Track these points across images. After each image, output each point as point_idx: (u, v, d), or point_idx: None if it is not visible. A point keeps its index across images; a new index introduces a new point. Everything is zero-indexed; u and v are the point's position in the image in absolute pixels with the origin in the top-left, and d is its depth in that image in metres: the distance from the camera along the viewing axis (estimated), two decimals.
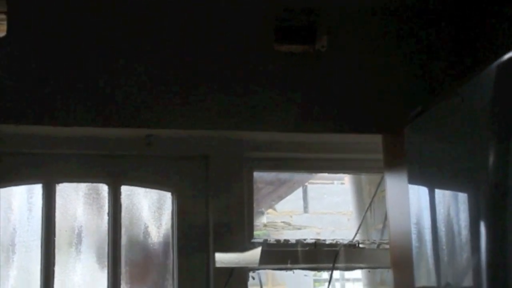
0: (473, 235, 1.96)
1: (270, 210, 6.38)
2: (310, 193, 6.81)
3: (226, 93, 2.90)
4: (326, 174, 5.71)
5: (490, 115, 1.79)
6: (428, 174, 2.30)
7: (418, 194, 2.34)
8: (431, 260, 2.28)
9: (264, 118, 2.93)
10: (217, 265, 2.95)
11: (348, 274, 6.74)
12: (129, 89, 2.84)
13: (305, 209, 6.83)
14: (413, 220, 2.36)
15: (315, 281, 6.60)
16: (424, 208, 2.29)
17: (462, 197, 2.08)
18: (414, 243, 2.36)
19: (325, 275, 7.39)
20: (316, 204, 6.74)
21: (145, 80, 2.85)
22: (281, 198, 5.82)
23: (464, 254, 2.04)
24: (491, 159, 1.80)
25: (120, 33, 2.86)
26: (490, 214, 1.82)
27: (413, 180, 2.39)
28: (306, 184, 6.34)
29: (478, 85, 1.92)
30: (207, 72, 2.90)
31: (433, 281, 2.30)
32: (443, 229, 2.18)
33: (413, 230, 2.36)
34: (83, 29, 2.83)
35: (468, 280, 2.04)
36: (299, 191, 6.50)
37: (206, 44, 2.91)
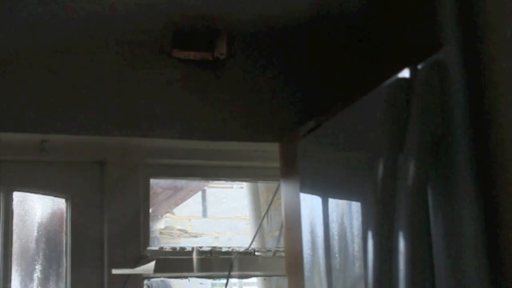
0: (364, 244, 2.00)
1: (168, 215, 6.34)
2: (209, 198, 6.79)
3: (122, 99, 2.87)
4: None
5: (380, 131, 1.84)
6: (321, 184, 2.34)
7: (310, 202, 2.37)
8: (322, 269, 2.31)
9: (161, 125, 2.91)
10: (113, 272, 2.92)
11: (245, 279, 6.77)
12: (23, 94, 2.78)
13: (204, 213, 6.81)
14: (307, 228, 2.39)
15: (212, 285, 6.60)
16: (317, 217, 2.32)
17: (355, 205, 2.12)
18: (308, 251, 2.39)
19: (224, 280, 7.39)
20: (215, 209, 6.73)
21: (39, 85, 2.79)
22: (179, 203, 5.81)
23: (356, 262, 2.08)
24: (379, 171, 1.84)
25: (13, 36, 2.80)
26: (378, 223, 1.87)
27: (305, 189, 2.42)
28: (205, 188, 6.34)
29: (370, 102, 1.98)
30: (103, 77, 2.86)
31: None
32: (336, 237, 2.22)
33: (306, 238, 2.39)
34: None
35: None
36: (198, 195, 6.48)
37: (101, 48, 2.88)
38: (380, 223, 1.79)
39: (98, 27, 2.81)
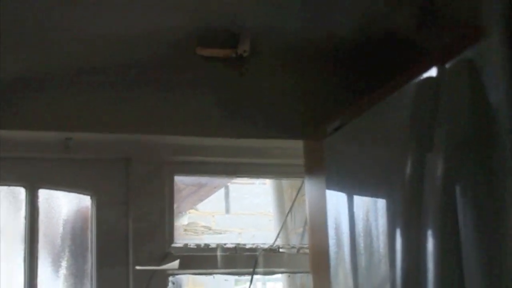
0: (390, 242, 2.00)
1: (192, 211, 6.36)
2: (232, 194, 6.81)
3: (147, 97, 2.87)
4: None
5: (408, 130, 1.83)
6: (347, 181, 2.34)
7: (336, 200, 2.38)
8: (348, 266, 2.31)
9: (185, 123, 2.91)
10: (137, 268, 2.92)
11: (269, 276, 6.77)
12: (48, 92, 2.79)
13: (227, 209, 6.83)
14: (332, 225, 2.39)
15: (236, 280, 6.61)
16: (342, 214, 2.32)
17: (381, 203, 2.11)
18: (333, 248, 2.39)
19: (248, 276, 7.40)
20: (238, 205, 6.75)
21: (64, 83, 2.80)
22: (202, 199, 5.82)
23: (382, 260, 2.08)
24: (407, 170, 1.84)
25: (35, 31, 2.80)
26: (405, 222, 1.86)
27: (331, 186, 2.42)
28: (228, 184, 6.35)
29: (396, 101, 1.97)
30: (128, 75, 2.86)
31: (350, 286, 2.34)
32: (362, 234, 2.21)
33: (332, 235, 2.39)
34: None
35: (385, 286, 2.07)
36: (221, 191, 6.50)
37: (127, 47, 2.88)
38: (408, 222, 1.79)
39: (121, 23, 2.81)
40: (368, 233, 2.15)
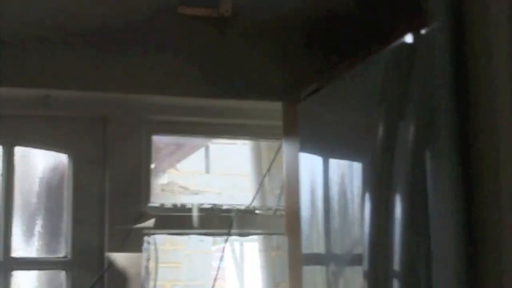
0: (361, 205, 2.01)
1: (171, 170, 6.36)
2: (212, 154, 6.80)
3: (126, 55, 2.86)
4: None
5: (380, 96, 1.83)
6: (321, 145, 2.34)
7: (311, 163, 2.38)
8: (320, 228, 2.32)
9: (164, 82, 2.91)
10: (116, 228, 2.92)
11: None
12: (27, 49, 2.77)
13: (207, 169, 6.83)
14: (306, 187, 2.39)
15: (214, 241, 6.64)
16: (316, 177, 2.33)
17: (353, 166, 2.12)
18: (305, 210, 2.40)
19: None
20: (218, 165, 6.75)
21: (43, 40, 2.78)
22: (182, 158, 5.82)
23: (352, 222, 2.09)
24: (379, 135, 1.84)
25: None
26: (376, 186, 1.87)
27: (305, 149, 2.43)
28: (209, 144, 6.34)
29: (369, 67, 1.97)
30: (108, 33, 2.84)
31: (322, 248, 2.35)
32: (335, 197, 2.22)
33: (305, 198, 2.40)
34: None
35: (356, 249, 2.09)
36: (202, 151, 6.49)
37: (108, 5, 2.85)
38: (378, 186, 1.80)
39: None
40: (341, 196, 2.16)
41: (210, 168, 6.82)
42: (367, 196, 1.88)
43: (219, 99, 3.02)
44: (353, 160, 2.09)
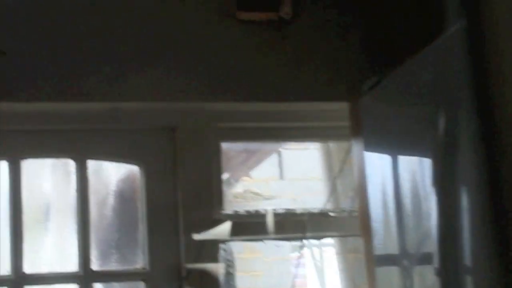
0: (428, 200, 1.98)
1: (245, 178, 6.37)
2: (285, 159, 6.79)
3: (190, 64, 2.88)
4: None
5: (437, 88, 1.80)
6: (385, 141, 2.31)
7: (377, 160, 2.35)
8: (393, 227, 2.29)
9: (228, 89, 2.92)
10: (192, 237, 2.93)
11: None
12: (93, 63, 2.81)
13: (281, 175, 6.82)
14: (375, 187, 2.36)
15: (293, 246, 6.62)
16: (384, 175, 2.30)
17: (416, 161, 2.08)
18: (379, 210, 2.36)
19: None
20: (292, 170, 6.73)
21: (108, 53, 2.82)
22: (254, 166, 5.82)
23: (421, 218, 2.06)
24: (440, 127, 1.81)
25: (80, 7, 2.83)
26: (440, 180, 1.84)
27: (369, 147, 2.40)
28: (280, 150, 6.33)
29: (428, 57, 1.93)
30: (170, 43, 2.87)
31: (395, 248, 2.32)
32: (405, 195, 2.19)
33: (376, 198, 2.37)
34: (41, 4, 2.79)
35: (428, 247, 2.05)
36: (274, 157, 6.49)
37: (167, 15, 2.88)
38: (444, 181, 1.76)
39: None
40: (410, 193, 2.12)
41: (284, 174, 6.81)
42: (435, 192, 1.84)
43: (285, 103, 3.01)
44: (417, 154, 2.05)
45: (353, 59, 2.98)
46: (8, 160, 2.91)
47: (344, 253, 3.63)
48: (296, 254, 6.75)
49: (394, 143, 2.24)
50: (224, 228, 2.95)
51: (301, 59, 2.97)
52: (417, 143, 2.07)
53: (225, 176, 5.58)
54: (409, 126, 2.12)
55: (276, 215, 3.11)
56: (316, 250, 7.09)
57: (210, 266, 2.94)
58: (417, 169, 2.09)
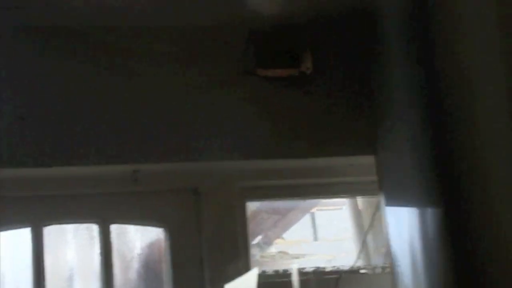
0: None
1: (278, 240, 6.27)
2: (318, 220, 6.69)
3: (210, 123, 2.84)
4: (333, 200, 5.63)
5: None
6: (401, 193, 2.24)
7: (396, 215, 2.28)
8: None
9: (252, 146, 2.87)
10: None
11: None
12: (112, 127, 2.79)
13: (315, 236, 6.71)
14: (397, 242, 2.29)
15: None
16: (403, 228, 2.23)
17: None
18: (403, 266, 2.29)
19: None
20: (325, 231, 6.62)
21: (126, 116, 2.79)
22: (287, 227, 5.73)
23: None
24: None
25: (100, 65, 2.82)
26: None
27: (389, 201, 2.33)
28: (313, 211, 6.24)
29: None
30: (190, 102, 2.84)
31: None
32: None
33: (400, 253, 2.29)
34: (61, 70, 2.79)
35: None
36: (307, 218, 6.39)
37: (188, 74, 2.86)
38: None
39: (179, 51, 2.82)
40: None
41: (318, 235, 6.70)
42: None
43: (309, 159, 2.95)
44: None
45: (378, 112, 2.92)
46: (30, 227, 2.88)
47: None
48: None
49: (407, 194, 2.18)
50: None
51: (324, 114, 2.92)
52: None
53: (257, 239, 5.53)
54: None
55: (305, 273, 3.03)
56: None
57: None
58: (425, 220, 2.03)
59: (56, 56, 2.78)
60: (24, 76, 2.76)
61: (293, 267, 3.04)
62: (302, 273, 3.05)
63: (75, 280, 2.94)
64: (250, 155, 2.88)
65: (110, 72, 2.82)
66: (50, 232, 2.90)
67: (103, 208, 2.93)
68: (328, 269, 3.10)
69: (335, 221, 6.41)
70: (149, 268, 3.00)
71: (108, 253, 2.91)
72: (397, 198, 2.31)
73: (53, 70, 2.78)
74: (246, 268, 2.96)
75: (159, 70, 2.85)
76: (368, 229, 3.35)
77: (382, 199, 2.84)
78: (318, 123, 2.92)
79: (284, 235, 6.23)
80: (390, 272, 3.01)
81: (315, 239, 6.71)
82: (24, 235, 2.87)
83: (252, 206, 3.51)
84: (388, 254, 3.14)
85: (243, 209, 3.03)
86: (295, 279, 2.98)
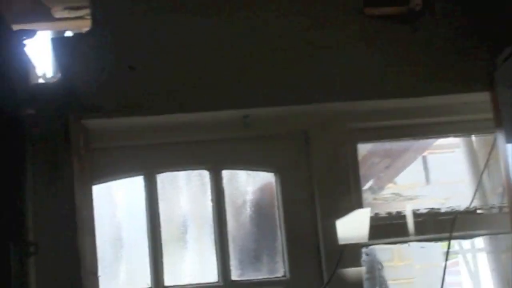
0: None
1: (390, 184, 6.22)
2: (431, 163, 6.60)
3: (319, 64, 2.80)
4: (445, 142, 5.54)
5: None
6: None
7: None
8: None
9: (362, 86, 2.82)
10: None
11: (476, 243, 6.52)
12: (222, 71, 2.78)
13: (427, 180, 6.63)
14: None
15: (444, 254, 6.39)
16: None
17: None
18: None
19: (455, 247, 7.18)
20: (438, 174, 6.53)
21: (234, 60, 2.78)
22: (399, 172, 5.67)
23: None
24: None
25: (206, 14, 2.81)
26: None
27: (510, 138, 2.22)
28: (425, 154, 6.15)
29: None
30: (298, 43, 2.81)
31: None
32: None
33: None
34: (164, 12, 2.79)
35: None
36: (419, 162, 6.31)
37: (294, 15, 2.82)
38: None
39: None
40: None
41: (430, 179, 6.62)
42: None
43: (421, 98, 2.87)
44: None
45: (490, 45, 2.81)
46: (143, 175, 2.91)
47: (496, 253, 3.43)
48: (448, 260, 6.54)
49: None
50: (363, 230, 2.84)
51: (434, 51, 2.84)
52: None
53: (368, 183, 5.49)
54: None
55: (419, 215, 2.97)
56: (469, 256, 6.83)
57: (352, 271, 2.83)
58: None
59: (166, 4, 2.79)
60: (134, 25, 2.79)
61: (408, 208, 2.98)
62: (416, 214, 2.99)
63: (189, 227, 2.97)
64: (360, 96, 2.83)
65: (219, 18, 2.81)
66: (163, 180, 2.93)
67: (214, 154, 2.94)
68: (443, 210, 3.03)
69: (448, 163, 6.31)
70: (261, 213, 2.99)
71: (220, 199, 2.92)
72: None
73: (163, 19, 2.79)
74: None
75: (267, 13, 2.82)
76: (484, 168, 3.25)
77: (498, 136, 2.75)
78: (430, 60, 2.84)
79: (396, 179, 6.18)
80: (508, 212, 2.93)
81: (428, 182, 6.63)
82: (137, 183, 2.91)
83: (362, 150, 3.47)
84: (506, 193, 3.06)
85: (354, 151, 2.98)
86: (410, 220, 2.92)
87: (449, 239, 2.95)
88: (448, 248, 2.98)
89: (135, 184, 2.91)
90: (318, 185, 2.90)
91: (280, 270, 2.92)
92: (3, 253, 2.39)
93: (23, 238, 2.52)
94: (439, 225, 2.98)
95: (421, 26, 2.84)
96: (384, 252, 5.13)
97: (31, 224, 2.58)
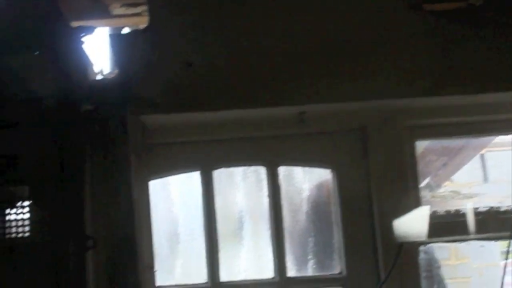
0: None
1: (447, 182, 6.14)
2: (489, 161, 6.50)
3: (377, 60, 2.78)
4: (504, 140, 5.45)
5: None
6: None
7: None
8: None
9: (421, 83, 2.78)
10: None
11: None
12: (277, 68, 2.77)
13: (485, 178, 6.53)
14: None
15: (502, 253, 6.28)
16: None
17: None
18: None
19: None
20: (497, 172, 6.42)
21: (291, 57, 2.77)
22: (456, 169, 5.60)
23: None
24: None
25: (264, 11, 2.81)
26: None
27: None
28: (483, 152, 6.06)
29: None
30: (355, 39, 2.78)
31: None
32: None
33: None
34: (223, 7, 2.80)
35: None
36: (476, 160, 6.22)
37: (352, 12, 2.80)
38: None
39: None
40: None
41: (488, 177, 6.52)
42: None
43: (482, 95, 2.82)
44: None
45: None
46: (200, 170, 2.92)
47: None
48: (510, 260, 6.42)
49: None
50: (421, 228, 2.81)
51: (495, 47, 2.79)
52: None
53: (426, 181, 5.43)
54: None
55: (478, 213, 2.93)
56: None
57: (409, 269, 2.80)
58: None
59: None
60: (192, 22, 2.79)
61: (468, 206, 2.93)
62: (475, 212, 2.95)
63: (245, 223, 2.97)
64: (418, 92, 2.80)
65: (277, 15, 2.80)
66: (219, 175, 2.93)
67: (271, 151, 2.94)
68: (503, 209, 2.98)
69: (506, 161, 6.20)
70: (317, 210, 2.98)
71: (277, 195, 2.92)
72: None
73: (220, 15, 2.80)
74: (416, 208, 2.89)
75: (325, 11, 2.81)
76: None
77: None
78: (489, 57, 2.79)
79: (453, 177, 6.10)
80: None
81: (486, 180, 6.53)
82: (194, 178, 2.92)
83: (420, 147, 3.42)
84: None
85: (412, 148, 2.94)
86: (470, 218, 2.88)
87: (510, 238, 2.89)
88: (509, 247, 2.92)
89: (191, 180, 2.93)
90: (375, 182, 2.88)
91: (336, 267, 2.91)
92: (62, 248, 2.42)
93: (82, 232, 2.54)
94: (499, 224, 2.93)
95: (481, 22, 2.79)
96: (441, 250, 5.07)
97: (89, 219, 2.60)
